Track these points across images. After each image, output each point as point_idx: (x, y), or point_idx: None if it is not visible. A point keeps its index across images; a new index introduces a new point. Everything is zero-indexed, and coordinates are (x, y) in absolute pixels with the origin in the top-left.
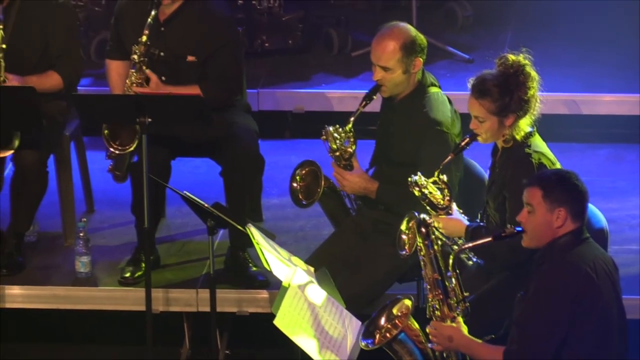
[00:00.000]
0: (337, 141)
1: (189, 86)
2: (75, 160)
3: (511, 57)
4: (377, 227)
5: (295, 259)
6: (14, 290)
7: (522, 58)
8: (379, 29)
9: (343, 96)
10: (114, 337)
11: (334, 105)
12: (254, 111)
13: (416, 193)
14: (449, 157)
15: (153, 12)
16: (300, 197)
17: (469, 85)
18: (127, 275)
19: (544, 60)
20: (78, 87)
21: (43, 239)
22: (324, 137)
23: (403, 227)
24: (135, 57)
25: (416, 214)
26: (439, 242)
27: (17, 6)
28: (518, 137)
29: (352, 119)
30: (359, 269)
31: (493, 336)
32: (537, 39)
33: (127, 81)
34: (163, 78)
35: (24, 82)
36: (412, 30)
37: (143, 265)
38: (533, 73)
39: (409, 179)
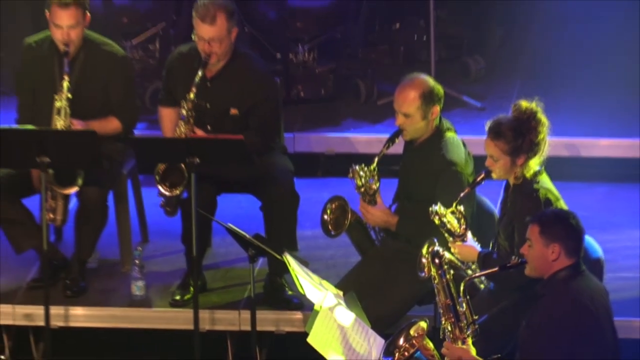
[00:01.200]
0: (362, 179)
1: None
2: (132, 195)
3: (524, 103)
4: (399, 256)
5: (326, 284)
6: (78, 311)
7: (534, 105)
8: (401, 80)
9: (369, 140)
10: (166, 353)
11: (361, 147)
12: (290, 153)
13: (436, 221)
14: (466, 191)
15: (200, 72)
16: (330, 228)
17: (486, 128)
18: (177, 298)
19: (547, 107)
20: (134, 131)
21: (103, 265)
22: (351, 175)
23: (424, 251)
24: (184, 111)
25: (435, 240)
26: (451, 271)
27: (81, 59)
28: (528, 175)
29: (376, 159)
30: (383, 293)
31: (499, 355)
32: (542, 88)
33: (177, 130)
34: (209, 127)
35: (87, 127)
36: (430, 81)
37: (191, 289)
38: (544, 119)
39: (430, 209)
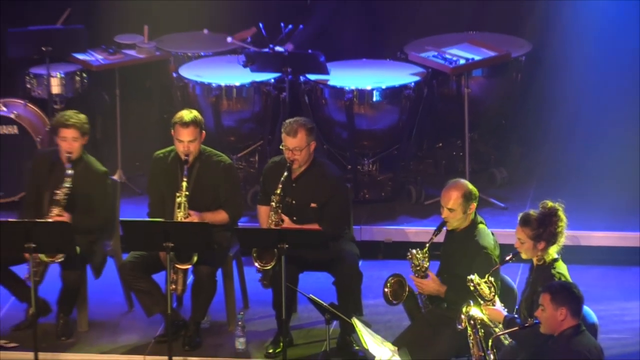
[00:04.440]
0: (418, 260)
1: (312, 224)
2: (236, 272)
3: (549, 202)
4: (441, 320)
5: (384, 341)
6: None
7: (557, 205)
8: (447, 183)
9: (418, 231)
10: None
11: (412, 237)
12: (357, 240)
13: (471, 287)
14: (497, 266)
15: (285, 173)
16: (390, 298)
17: (518, 217)
18: (270, 351)
19: None
20: (239, 223)
21: (213, 326)
22: (409, 256)
23: (463, 309)
24: (273, 204)
25: (472, 303)
26: (482, 330)
27: (197, 167)
28: (547, 260)
29: (427, 244)
30: (428, 348)
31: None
32: (551, 193)
33: (269, 220)
34: (294, 218)
35: (202, 217)
36: (469, 184)
37: (281, 344)
38: (563, 216)
39: (468, 277)
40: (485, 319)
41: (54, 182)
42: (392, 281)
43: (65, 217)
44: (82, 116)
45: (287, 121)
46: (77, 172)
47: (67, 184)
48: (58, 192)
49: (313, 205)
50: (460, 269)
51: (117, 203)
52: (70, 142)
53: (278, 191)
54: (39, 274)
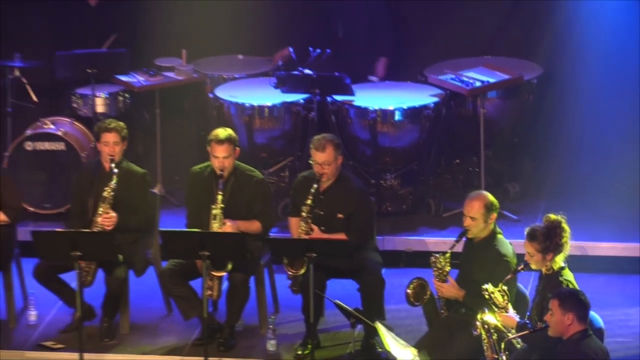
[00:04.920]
0: (441, 264)
1: (338, 234)
2: (268, 279)
3: (552, 216)
4: (458, 325)
5: (407, 346)
6: None
7: (559, 217)
8: (470, 194)
9: (437, 242)
10: None
11: (431, 247)
12: (380, 250)
13: (486, 296)
14: (510, 276)
15: (315, 186)
16: (412, 300)
17: (525, 233)
18: (299, 352)
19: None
20: (270, 233)
21: (246, 329)
22: (433, 259)
23: (478, 316)
24: (304, 213)
25: (486, 310)
26: (495, 334)
27: (232, 181)
28: (555, 268)
29: (449, 250)
30: (446, 351)
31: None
32: (561, 205)
33: (299, 230)
34: (322, 228)
35: (236, 225)
36: (491, 196)
37: (309, 346)
38: (566, 227)
39: (482, 286)
40: (499, 325)
41: (96, 189)
42: (415, 283)
43: (113, 215)
44: (121, 123)
45: (316, 137)
46: (118, 176)
47: (114, 182)
48: (106, 188)
49: (340, 216)
50: (480, 275)
51: (157, 214)
52: (112, 146)
53: (309, 202)
54: (91, 273)
